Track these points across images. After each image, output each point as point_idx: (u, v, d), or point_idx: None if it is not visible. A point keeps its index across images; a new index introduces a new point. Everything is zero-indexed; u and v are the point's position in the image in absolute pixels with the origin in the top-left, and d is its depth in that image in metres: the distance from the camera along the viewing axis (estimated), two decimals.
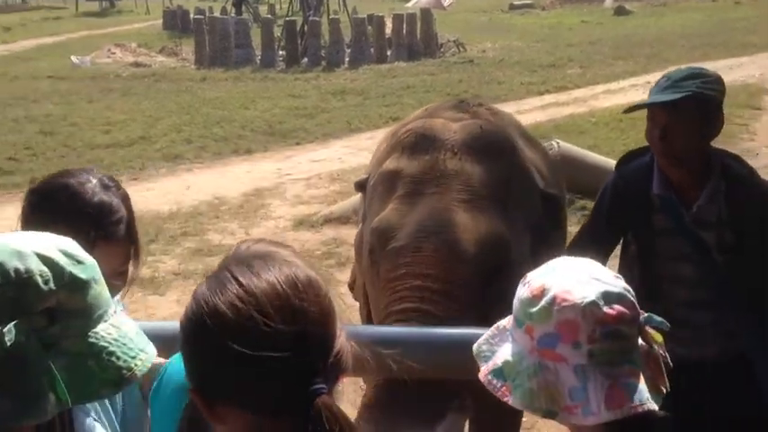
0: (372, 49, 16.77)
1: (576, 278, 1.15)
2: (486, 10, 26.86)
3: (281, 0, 26.80)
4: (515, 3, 27.12)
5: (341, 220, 6.58)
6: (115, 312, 1.09)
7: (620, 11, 23.47)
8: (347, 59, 16.48)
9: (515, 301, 1.18)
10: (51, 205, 1.54)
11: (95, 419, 1.51)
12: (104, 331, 1.05)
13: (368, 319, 2.52)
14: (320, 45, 16.97)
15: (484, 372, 1.18)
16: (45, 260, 1.01)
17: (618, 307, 1.14)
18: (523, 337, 1.15)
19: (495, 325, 1.24)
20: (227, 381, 0.97)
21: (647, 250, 1.93)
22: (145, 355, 1.08)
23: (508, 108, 11.10)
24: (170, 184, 8.19)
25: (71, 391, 0.98)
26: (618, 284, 1.17)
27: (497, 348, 1.18)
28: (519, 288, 1.18)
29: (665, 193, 1.88)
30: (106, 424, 1.56)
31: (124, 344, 1.06)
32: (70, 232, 1.26)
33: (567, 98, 11.96)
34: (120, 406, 1.67)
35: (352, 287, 2.68)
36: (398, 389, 1.98)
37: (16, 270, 0.98)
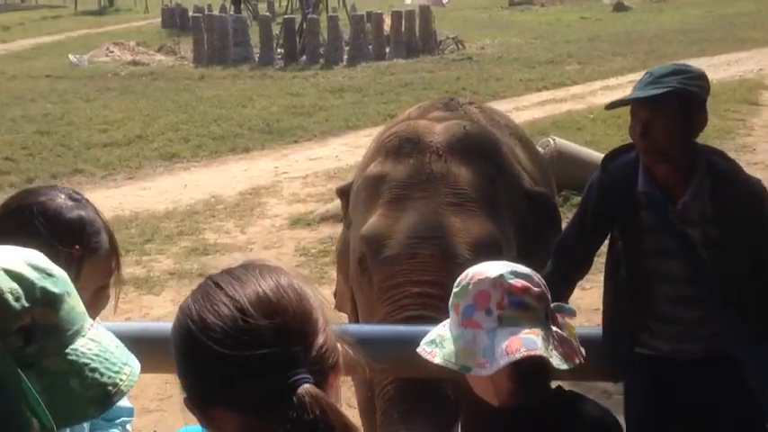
0: (371, 47, 16.74)
1: (491, 264, 1.46)
2: (485, 7, 26.82)
3: None
4: None
5: (337, 218, 6.55)
6: (92, 326, 1.03)
7: (618, 7, 23.42)
8: (346, 57, 16.46)
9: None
10: (28, 229, 1.41)
11: None
12: (84, 347, 0.99)
13: None
14: (319, 43, 16.94)
15: (421, 344, 1.47)
16: (13, 276, 0.95)
17: (523, 281, 1.39)
18: (452, 314, 1.45)
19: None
20: (214, 383, 0.97)
21: (633, 247, 1.92)
22: (129, 369, 1.03)
23: (506, 105, 11.13)
24: (167, 183, 8.18)
25: (55, 415, 0.92)
26: (527, 269, 1.42)
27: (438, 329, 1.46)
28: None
29: (651, 189, 1.86)
30: None
31: (106, 359, 1.01)
32: (51, 253, 1.21)
33: (565, 94, 11.94)
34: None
35: (335, 294, 2.65)
36: (413, 390, 1.97)
37: None
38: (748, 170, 7.75)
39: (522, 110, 10.91)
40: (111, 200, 7.54)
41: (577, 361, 1.38)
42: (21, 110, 11.82)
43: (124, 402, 1.71)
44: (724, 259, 1.83)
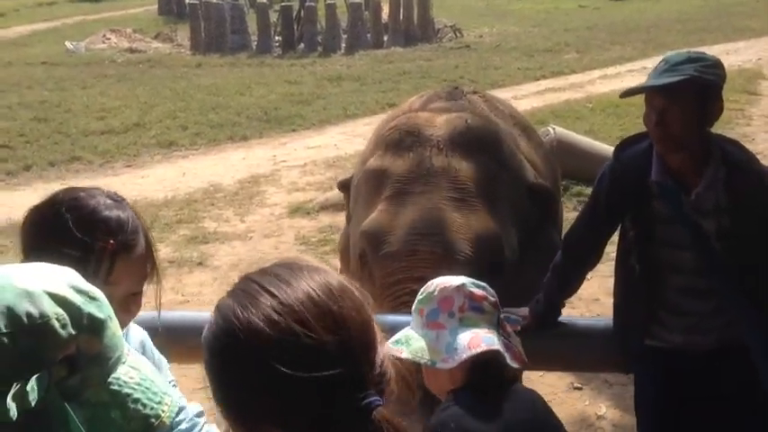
0: (369, 35, 16.67)
1: (453, 276, 1.60)
2: None
3: None
4: None
5: (337, 206, 6.55)
6: (129, 350, 0.98)
7: None
8: (343, 45, 16.38)
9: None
10: (59, 222, 1.36)
11: None
12: (125, 375, 0.94)
13: None
14: (316, 31, 16.87)
15: (387, 343, 1.46)
16: (58, 300, 0.87)
17: (482, 290, 1.54)
18: (416, 317, 1.56)
19: None
20: (270, 403, 0.87)
21: (645, 237, 1.90)
22: (169, 399, 0.97)
23: (505, 94, 11.08)
24: (165, 171, 8.15)
25: None
26: (483, 283, 1.58)
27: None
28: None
29: (664, 179, 1.84)
30: None
31: (147, 387, 0.95)
32: (82, 251, 1.17)
33: (563, 83, 11.91)
34: None
35: None
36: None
37: (29, 315, 0.84)
38: None
39: (521, 99, 10.87)
40: (109, 188, 7.38)
41: (522, 363, 1.51)
42: (17, 97, 11.75)
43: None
44: (737, 250, 1.82)
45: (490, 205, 2.23)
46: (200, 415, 1.58)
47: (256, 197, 7.15)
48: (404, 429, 0.89)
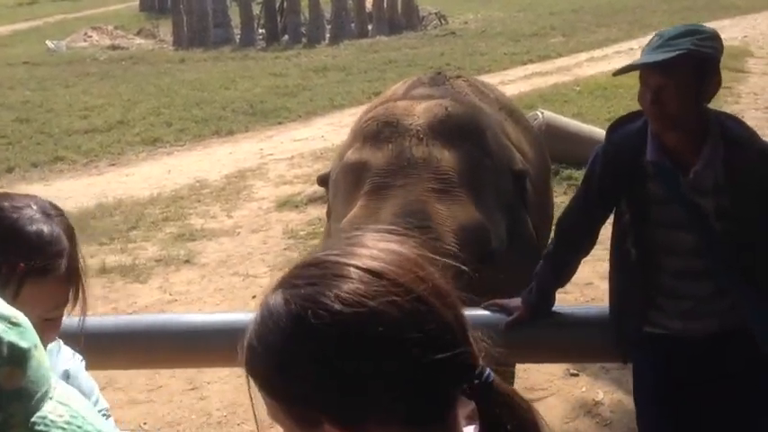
0: (353, 25, 16.55)
1: None
2: None
3: None
4: None
5: (325, 199, 6.47)
6: (57, 383, 0.85)
7: None
8: (328, 35, 16.26)
9: None
10: None
11: None
12: (53, 413, 0.81)
13: None
14: (300, 22, 16.73)
15: None
16: None
17: None
18: None
19: None
20: (374, 394, 0.75)
21: (641, 219, 1.82)
22: None
23: (492, 79, 10.97)
24: (150, 169, 8.04)
25: None
26: None
27: None
28: None
29: (660, 159, 1.76)
30: None
31: (79, 426, 0.82)
32: None
33: (550, 67, 11.84)
34: None
35: None
36: None
37: None
38: None
39: (508, 84, 10.78)
40: (93, 187, 7.42)
41: None
42: None
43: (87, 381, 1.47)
44: (737, 229, 1.75)
45: (475, 194, 2.15)
46: None
47: (243, 192, 7.06)
48: (517, 392, 0.85)
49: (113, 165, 8.28)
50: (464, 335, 0.82)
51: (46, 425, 0.79)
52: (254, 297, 4.77)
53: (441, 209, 2.07)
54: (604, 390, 3.59)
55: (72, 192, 7.33)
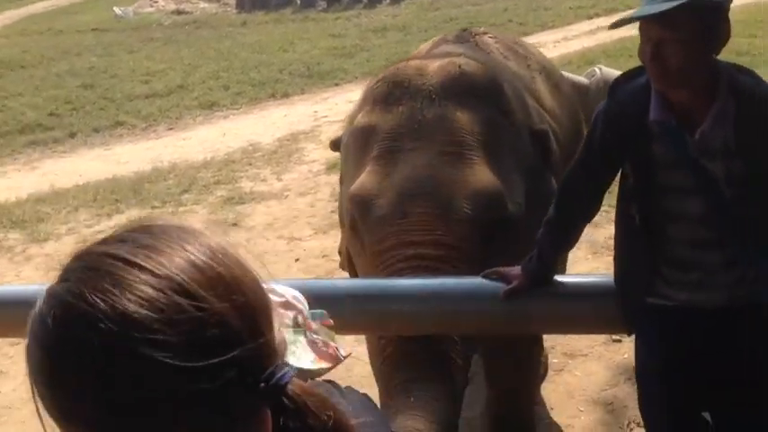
0: None
1: None
2: None
3: None
4: None
5: None
6: None
7: None
8: None
9: None
10: None
11: None
12: None
13: None
14: None
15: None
16: None
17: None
18: None
19: None
20: (151, 411, 0.66)
21: (645, 184, 1.67)
22: None
23: (555, 35, 10.65)
24: (206, 133, 8.13)
25: None
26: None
27: None
28: None
29: (665, 118, 1.60)
30: None
31: None
32: None
33: None
34: None
35: (341, 251, 2.48)
36: (415, 351, 1.82)
37: None
38: None
39: (572, 39, 10.43)
40: (151, 151, 7.56)
41: (332, 362, 1.22)
42: (66, 64, 11.91)
43: None
44: (750, 196, 1.59)
45: (490, 157, 2.03)
46: None
47: (295, 154, 7.05)
48: (324, 399, 0.73)
49: (171, 129, 8.40)
50: (253, 329, 0.70)
51: None
52: (297, 260, 4.78)
53: (452, 173, 1.96)
54: None
55: (130, 156, 7.49)
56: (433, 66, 2.19)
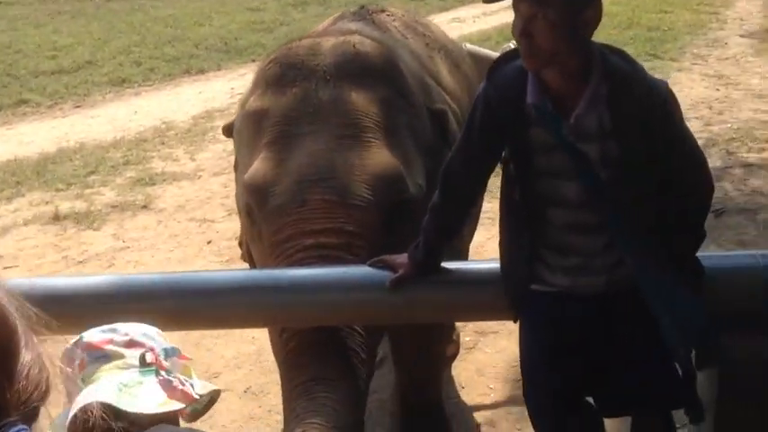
0: None
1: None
2: None
3: None
4: None
5: None
6: None
7: None
8: None
9: None
10: None
11: None
12: None
13: None
14: None
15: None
16: None
17: (106, 335, 1.24)
18: None
19: None
20: None
21: (524, 169, 1.65)
22: None
23: (474, 11, 10.66)
24: (116, 110, 7.83)
25: None
26: (122, 324, 1.29)
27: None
28: None
29: (540, 101, 1.57)
30: None
31: None
32: None
33: None
34: None
35: (241, 243, 2.39)
36: (316, 344, 1.76)
37: None
38: (718, 66, 7.40)
39: (491, 15, 10.47)
40: (56, 130, 7.23)
41: (186, 401, 1.24)
42: None
43: None
44: (626, 179, 1.59)
45: (388, 138, 1.97)
46: None
47: (210, 133, 6.86)
48: None
49: (78, 107, 8.06)
50: None
51: None
52: (209, 242, 4.66)
53: (350, 157, 1.89)
54: None
55: (34, 135, 7.15)
56: (327, 45, 2.10)
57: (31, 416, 0.69)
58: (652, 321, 1.60)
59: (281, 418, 1.93)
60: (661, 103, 1.60)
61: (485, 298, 1.78)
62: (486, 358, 3.39)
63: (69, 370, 1.22)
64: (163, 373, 1.24)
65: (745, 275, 1.71)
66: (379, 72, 2.06)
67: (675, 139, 1.63)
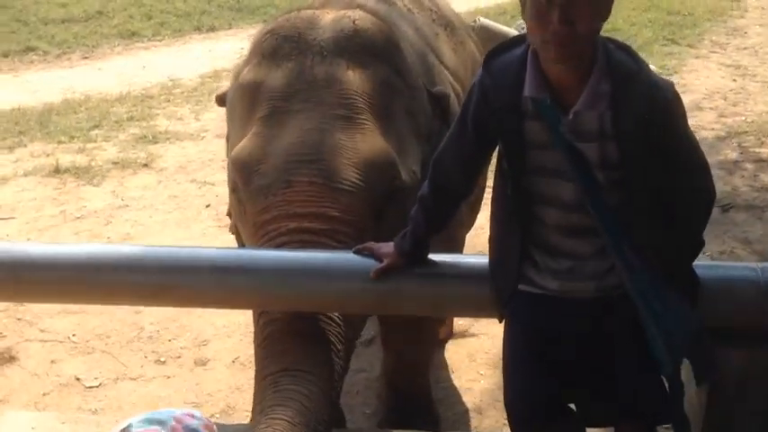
0: None
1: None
2: None
3: None
4: None
5: None
6: None
7: None
8: None
9: None
10: None
11: None
12: None
13: None
14: None
15: None
16: None
17: (151, 427, 1.23)
18: None
19: None
20: None
21: (517, 164, 1.57)
22: None
23: None
24: (124, 64, 7.74)
25: None
26: (174, 412, 1.28)
27: None
28: None
29: (539, 94, 1.49)
30: None
31: None
32: None
33: None
34: None
35: (229, 213, 2.35)
36: (290, 334, 1.70)
37: None
38: (737, 55, 7.21)
39: None
40: (62, 81, 7.16)
41: None
42: None
43: None
44: (624, 182, 1.52)
45: (383, 121, 1.90)
46: None
47: (216, 93, 6.77)
48: None
49: (86, 58, 7.97)
50: None
51: None
52: (207, 206, 4.62)
53: (341, 138, 1.82)
54: None
55: (40, 84, 7.08)
56: (326, 19, 2.02)
57: None
58: (641, 332, 1.55)
59: None
60: (665, 105, 1.51)
61: (471, 294, 1.73)
62: (479, 343, 3.35)
63: None
64: None
65: (745, 288, 1.65)
66: (377, 51, 1.98)
67: (678, 142, 1.54)
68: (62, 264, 1.84)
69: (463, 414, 2.91)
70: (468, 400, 3.00)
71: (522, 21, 5.71)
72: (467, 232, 2.67)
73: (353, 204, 1.79)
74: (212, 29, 8.97)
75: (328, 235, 1.77)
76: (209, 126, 6.00)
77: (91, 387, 3.06)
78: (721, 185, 4.55)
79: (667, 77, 6.61)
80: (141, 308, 3.57)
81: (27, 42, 8.24)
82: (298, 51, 1.93)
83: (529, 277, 1.64)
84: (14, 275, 1.82)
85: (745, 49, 7.67)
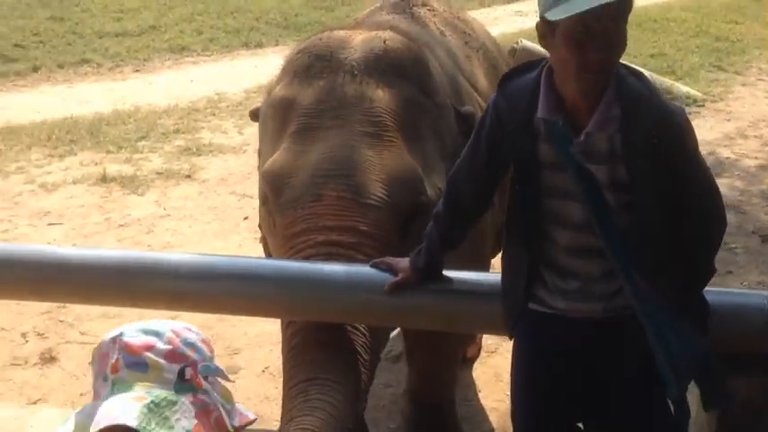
0: None
1: (128, 325, 1.18)
2: None
3: None
4: None
5: None
6: None
7: None
8: None
9: None
10: None
11: None
12: None
13: None
14: None
15: None
16: None
17: (148, 339, 1.15)
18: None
19: None
20: None
21: (530, 186, 1.60)
22: None
23: (519, 6, 10.44)
24: (173, 77, 7.97)
25: None
26: (172, 324, 1.19)
27: None
28: None
29: (553, 116, 1.52)
30: None
31: None
32: None
33: None
34: None
35: (261, 226, 2.43)
36: (318, 345, 1.74)
37: None
38: None
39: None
40: (114, 92, 7.41)
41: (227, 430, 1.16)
42: None
43: None
44: (633, 204, 1.54)
45: (410, 139, 1.96)
46: None
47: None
48: None
49: (138, 71, 8.23)
50: None
51: None
52: (245, 218, 4.73)
53: (369, 155, 1.88)
54: None
55: (92, 96, 7.34)
56: (358, 39, 2.09)
57: None
58: (649, 355, 1.57)
59: None
60: (677, 130, 1.53)
61: (482, 310, 1.76)
62: (506, 363, 3.34)
63: (100, 366, 1.17)
64: (200, 393, 1.17)
65: (755, 316, 1.66)
66: (406, 70, 2.04)
67: (688, 166, 1.56)
68: (91, 267, 1.95)
69: None
70: (494, 419, 3.01)
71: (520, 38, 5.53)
72: (496, 254, 2.71)
73: (380, 219, 1.84)
74: (260, 45, 9.17)
75: (355, 248, 1.81)
76: (251, 140, 6.13)
77: None
78: (762, 215, 4.50)
79: (712, 104, 6.55)
80: (178, 313, 3.67)
81: (82, 55, 8.54)
82: (329, 70, 2.00)
83: (539, 297, 1.67)
84: (43, 275, 1.95)
85: (745, 62, 7.56)
